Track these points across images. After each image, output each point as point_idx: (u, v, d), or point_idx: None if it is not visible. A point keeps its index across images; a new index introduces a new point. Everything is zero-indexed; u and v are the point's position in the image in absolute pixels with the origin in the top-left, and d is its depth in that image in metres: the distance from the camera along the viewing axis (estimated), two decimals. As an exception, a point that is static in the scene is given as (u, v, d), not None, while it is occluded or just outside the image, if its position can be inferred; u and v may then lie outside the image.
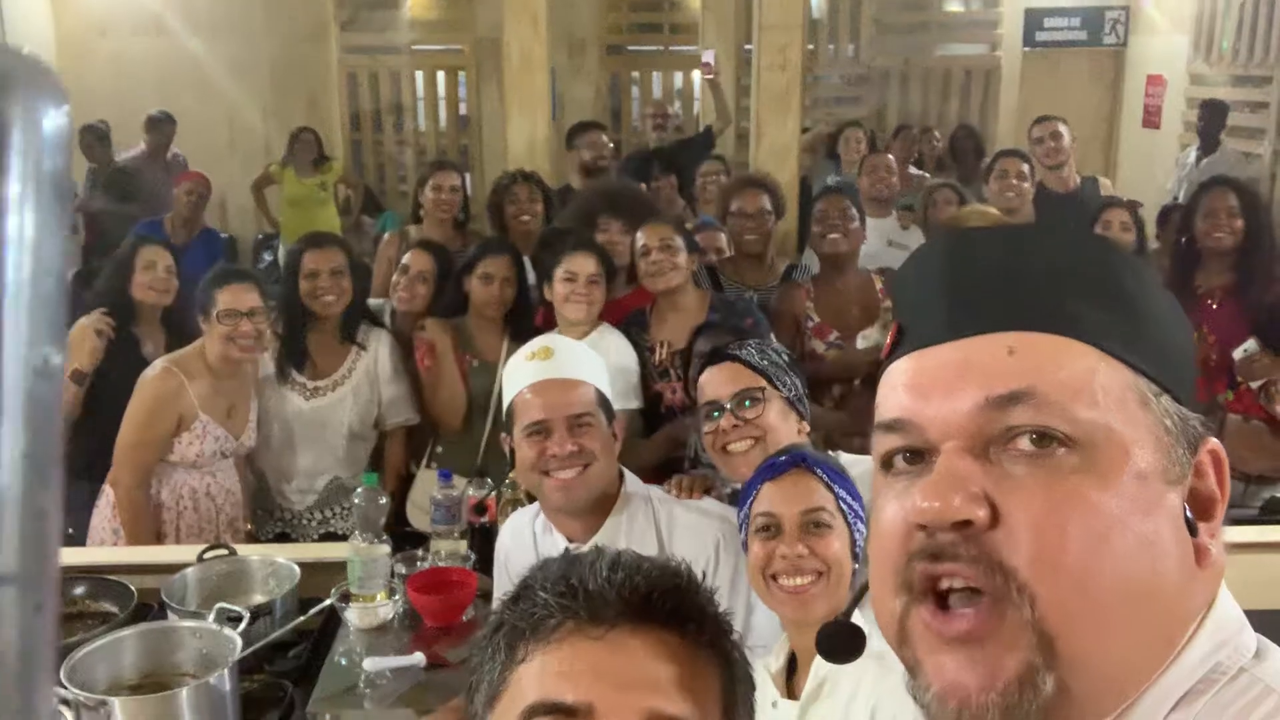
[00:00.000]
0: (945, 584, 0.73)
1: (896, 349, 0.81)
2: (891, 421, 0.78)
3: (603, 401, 2.29)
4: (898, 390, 0.79)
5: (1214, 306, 3.86)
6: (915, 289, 0.82)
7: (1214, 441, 0.78)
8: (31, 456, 0.24)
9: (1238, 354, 3.68)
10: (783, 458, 1.86)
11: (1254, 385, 3.69)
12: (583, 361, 2.33)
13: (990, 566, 0.71)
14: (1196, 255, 3.93)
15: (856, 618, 1.09)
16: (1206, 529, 0.76)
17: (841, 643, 0.94)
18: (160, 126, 7.27)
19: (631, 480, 2.35)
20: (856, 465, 1.96)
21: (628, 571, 0.93)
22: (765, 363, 2.39)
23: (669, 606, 0.92)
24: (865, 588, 0.84)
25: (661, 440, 3.34)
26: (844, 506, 1.80)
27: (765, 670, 1.79)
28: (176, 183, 6.04)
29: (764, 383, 2.36)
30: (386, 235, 4.80)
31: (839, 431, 3.39)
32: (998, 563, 0.71)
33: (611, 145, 5.53)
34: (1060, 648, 0.70)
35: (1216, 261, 3.90)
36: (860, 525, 1.81)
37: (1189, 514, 0.75)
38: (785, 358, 2.49)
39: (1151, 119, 8.57)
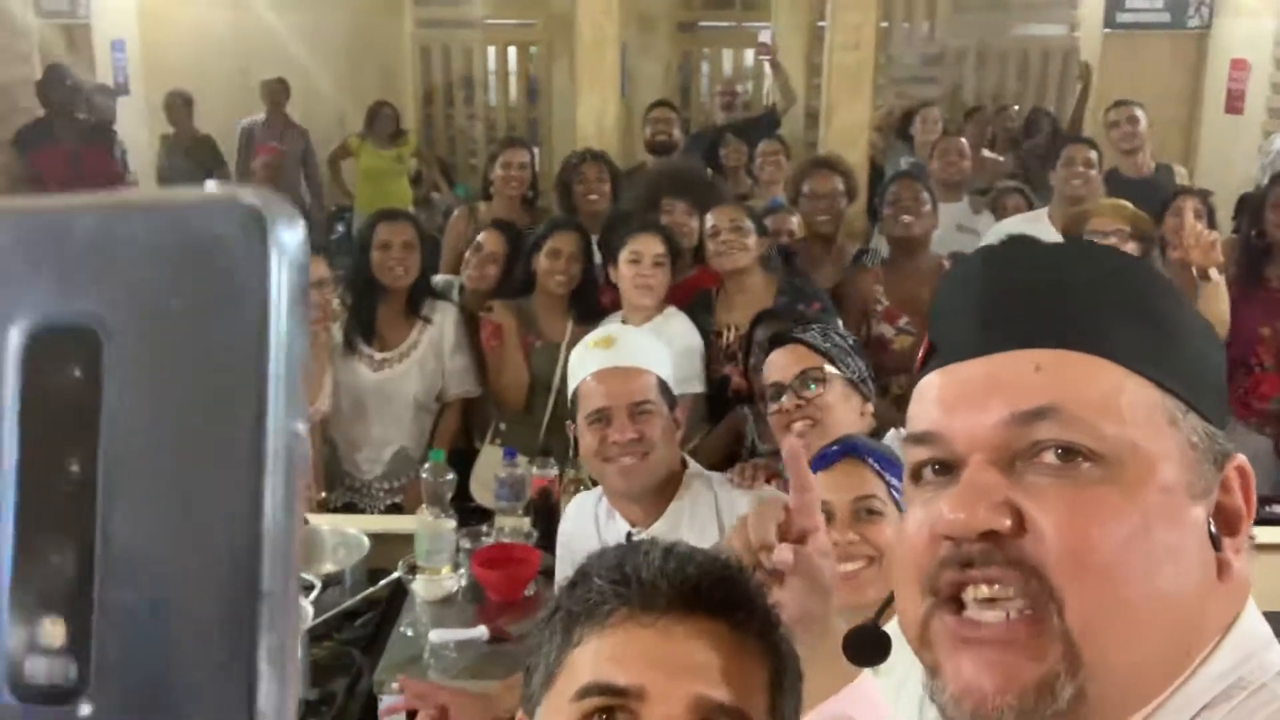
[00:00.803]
0: (970, 593, 0.75)
1: (928, 363, 0.83)
2: (921, 434, 0.80)
3: (664, 389, 2.33)
4: (927, 404, 0.81)
5: (1284, 301, 3.78)
6: (949, 303, 0.84)
7: (1240, 458, 0.79)
8: (286, 504, 0.31)
9: None
10: (834, 447, 1.89)
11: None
12: (645, 350, 2.38)
13: (1025, 572, 0.72)
14: (1267, 248, 3.85)
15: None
16: (1231, 544, 0.77)
17: (867, 647, 0.97)
18: (274, 92, 7.30)
19: (694, 466, 2.40)
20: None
21: (680, 561, 0.96)
22: (828, 345, 2.44)
23: (718, 596, 0.95)
24: (892, 596, 0.86)
25: (721, 433, 3.36)
26: (895, 494, 1.83)
27: None
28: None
29: (825, 363, 2.39)
30: (455, 212, 4.85)
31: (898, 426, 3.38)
32: (1032, 567, 0.72)
33: (677, 122, 5.49)
34: (1084, 655, 0.71)
35: (1286, 255, 3.82)
36: None
37: (1213, 529, 0.76)
38: (850, 341, 2.53)
39: (1235, 104, 8.35)
